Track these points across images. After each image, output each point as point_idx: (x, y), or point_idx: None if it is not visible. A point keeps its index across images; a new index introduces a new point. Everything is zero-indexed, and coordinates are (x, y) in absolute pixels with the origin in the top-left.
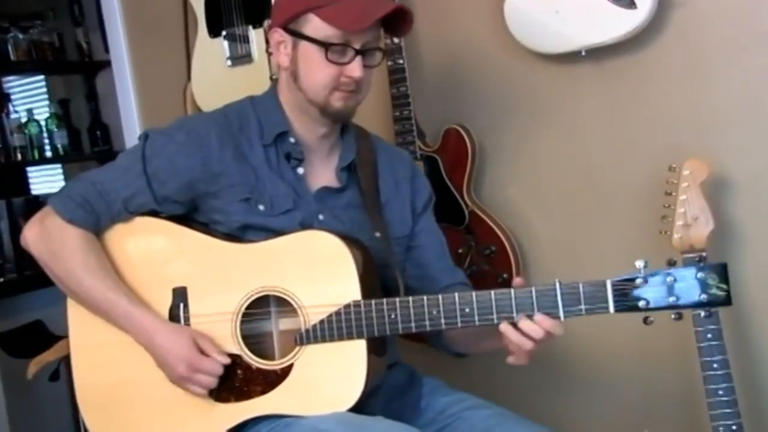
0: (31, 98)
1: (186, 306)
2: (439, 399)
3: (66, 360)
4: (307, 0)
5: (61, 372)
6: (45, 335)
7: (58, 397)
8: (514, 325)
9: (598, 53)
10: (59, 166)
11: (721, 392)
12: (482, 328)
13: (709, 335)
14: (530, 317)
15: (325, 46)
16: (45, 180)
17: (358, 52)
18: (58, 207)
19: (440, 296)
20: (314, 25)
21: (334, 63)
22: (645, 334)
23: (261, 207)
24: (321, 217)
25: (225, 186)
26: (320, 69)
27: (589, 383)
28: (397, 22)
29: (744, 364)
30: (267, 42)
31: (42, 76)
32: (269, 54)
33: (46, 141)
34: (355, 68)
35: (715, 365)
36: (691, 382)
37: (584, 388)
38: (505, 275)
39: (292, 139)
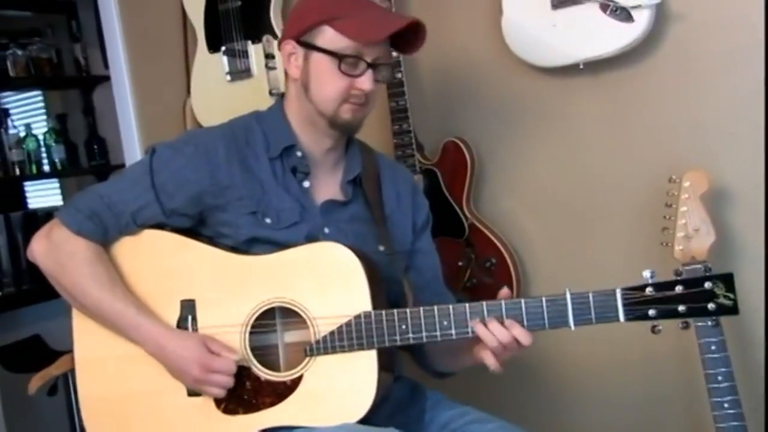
0: (29, 113)
1: (194, 318)
2: (442, 412)
3: (65, 374)
4: (322, 13)
5: (60, 386)
6: (43, 350)
7: (56, 411)
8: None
9: (596, 66)
10: (56, 180)
11: (726, 405)
12: (462, 343)
13: (713, 347)
14: (501, 322)
15: (338, 57)
16: (42, 194)
17: (369, 66)
18: (65, 219)
19: (450, 306)
20: (328, 37)
21: (346, 75)
22: (649, 346)
23: (267, 220)
24: (326, 230)
25: (232, 199)
26: (332, 81)
27: (592, 396)
28: (408, 38)
29: (747, 375)
30: (266, 57)
31: (39, 92)
32: (268, 69)
33: (44, 156)
34: (365, 81)
35: (719, 377)
36: (697, 394)
37: (588, 401)
38: (505, 287)
39: (299, 153)
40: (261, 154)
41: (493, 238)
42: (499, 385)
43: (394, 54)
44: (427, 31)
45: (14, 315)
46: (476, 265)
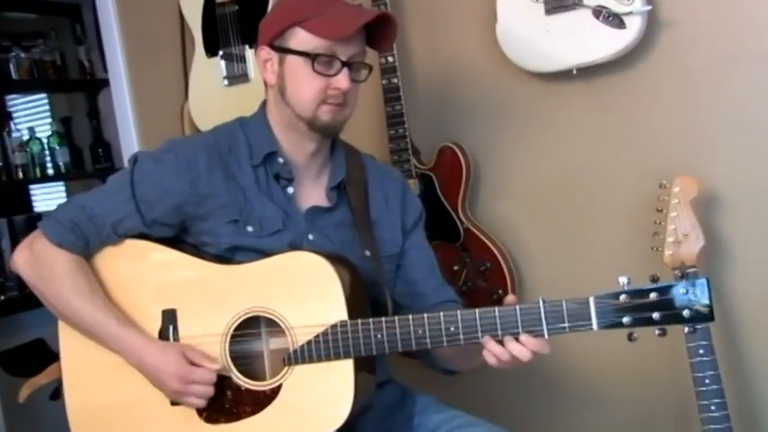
0: (34, 116)
1: (176, 328)
2: (431, 417)
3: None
4: (292, 15)
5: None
6: (46, 354)
7: (57, 416)
8: (501, 342)
9: (588, 72)
10: (62, 183)
11: (713, 407)
12: (469, 346)
13: (701, 351)
14: (516, 338)
15: (311, 57)
16: (48, 198)
17: (344, 64)
18: (47, 231)
19: (425, 315)
20: (300, 39)
21: (321, 74)
22: (640, 351)
23: (249, 228)
24: (311, 237)
25: (214, 208)
26: (307, 82)
27: (583, 401)
28: (381, 32)
29: (736, 379)
30: None
31: (44, 94)
32: None
33: (48, 159)
34: (341, 79)
35: (707, 380)
36: (686, 398)
37: (579, 406)
38: (500, 291)
39: (281, 159)
40: (244, 161)
41: (488, 242)
42: (492, 392)
43: (390, 59)
44: (424, 35)
45: (17, 319)
46: (471, 269)
